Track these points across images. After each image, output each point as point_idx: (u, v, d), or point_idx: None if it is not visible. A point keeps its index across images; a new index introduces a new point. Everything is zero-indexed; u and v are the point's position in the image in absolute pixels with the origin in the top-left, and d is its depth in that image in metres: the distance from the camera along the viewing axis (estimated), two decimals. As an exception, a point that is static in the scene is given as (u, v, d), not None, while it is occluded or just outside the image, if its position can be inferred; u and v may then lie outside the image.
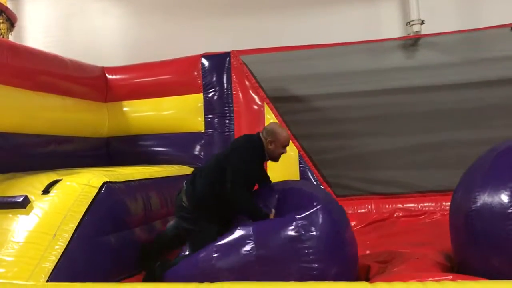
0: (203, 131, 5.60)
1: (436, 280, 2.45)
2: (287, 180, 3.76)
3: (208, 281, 2.47)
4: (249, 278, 2.73)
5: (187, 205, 3.44)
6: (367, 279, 3.05)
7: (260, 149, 3.51)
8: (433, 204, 4.91)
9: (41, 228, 3.03)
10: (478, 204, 2.75)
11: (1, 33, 5.69)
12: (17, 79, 4.22)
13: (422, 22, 5.71)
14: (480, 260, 2.75)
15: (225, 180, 3.34)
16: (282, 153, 3.62)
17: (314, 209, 2.98)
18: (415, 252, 3.40)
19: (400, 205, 4.96)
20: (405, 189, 5.08)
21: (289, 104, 5.38)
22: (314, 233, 2.89)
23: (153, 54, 5.94)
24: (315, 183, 5.14)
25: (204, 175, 3.49)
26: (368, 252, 3.73)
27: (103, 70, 5.78)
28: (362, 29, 5.92)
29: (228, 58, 5.59)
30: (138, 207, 3.72)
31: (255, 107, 5.47)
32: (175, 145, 5.66)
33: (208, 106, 5.58)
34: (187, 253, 3.72)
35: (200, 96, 5.59)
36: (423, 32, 5.63)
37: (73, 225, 3.08)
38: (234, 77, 5.54)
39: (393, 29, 5.95)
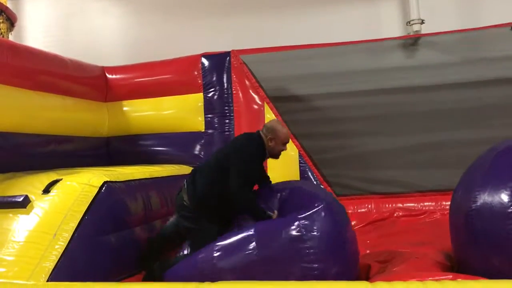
0: (203, 130, 5.60)
1: (436, 280, 2.45)
2: (288, 181, 3.76)
3: (208, 281, 2.48)
4: (250, 277, 2.73)
5: (188, 204, 3.44)
6: (367, 278, 3.06)
7: (261, 147, 3.52)
8: (433, 203, 4.91)
9: (42, 227, 3.03)
10: (478, 204, 2.75)
11: (1, 33, 5.69)
12: (17, 78, 4.22)
13: (422, 22, 5.71)
14: (480, 259, 2.76)
15: (225, 180, 3.34)
16: (282, 150, 3.62)
17: (315, 209, 2.98)
18: (415, 252, 3.40)
19: (400, 205, 4.96)
20: (405, 189, 5.08)
21: (289, 103, 5.38)
22: (316, 233, 2.89)
23: (153, 53, 5.94)
24: (315, 182, 5.14)
25: (205, 175, 3.49)
26: (368, 251, 3.73)
27: (103, 69, 5.78)
28: (362, 29, 5.91)
29: (228, 58, 5.58)
30: (138, 206, 3.72)
31: (255, 106, 5.47)
32: (175, 144, 5.65)
33: (208, 106, 5.58)
34: (185, 252, 3.72)
35: (200, 96, 5.59)
36: (423, 32, 5.63)
37: (73, 224, 3.08)
38: (234, 76, 5.54)
39: (393, 29, 5.95)
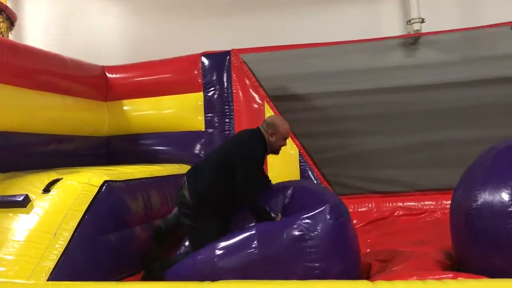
0: (203, 130, 5.59)
1: (437, 279, 2.45)
2: (292, 180, 3.77)
3: (209, 281, 2.48)
4: (252, 277, 2.73)
5: (189, 202, 3.43)
6: (368, 277, 3.06)
7: (263, 143, 3.52)
8: (434, 202, 4.91)
9: (42, 227, 3.03)
10: (479, 203, 2.75)
11: (1, 32, 5.68)
12: (17, 78, 4.21)
13: (423, 21, 5.71)
14: (480, 258, 2.76)
15: (227, 178, 3.35)
16: (283, 145, 3.63)
17: (320, 210, 2.97)
18: (415, 251, 3.40)
19: (400, 204, 4.96)
20: (405, 188, 5.08)
21: (289, 102, 5.38)
22: (318, 232, 2.88)
23: (153, 52, 5.93)
24: (315, 181, 5.14)
25: (206, 173, 3.47)
26: (368, 250, 3.73)
27: (103, 69, 5.77)
28: (362, 28, 5.91)
29: (228, 57, 5.58)
30: (139, 206, 3.72)
31: (255, 105, 5.46)
32: (175, 144, 5.65)
33: (208, 105, 5.57)
34: (183, 249, 3.73)
35: (200, 95, 5.58)
36: (423, 31, 5.62)
37: (73, 224, 3.08)
38: (234, 75, 5.54)
39: (393, 28, 5.95)
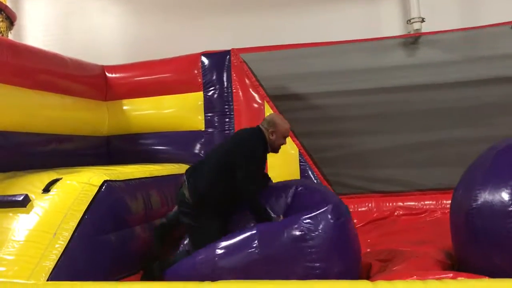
0: (203, 129, 5.59)
1: (437, 278, 2.45)
2: (291, 180, 3.76)
3: (209, 281, 2.47)
4: (252, 277, 2.72)
5: (189, 201, 3.42)
6: (368, 277, 3.06)
7: (263, 141, 3.52)
8: (434, 202, 4.91)
9: (42, 227, 3.03)
10: (479, 202, 2.75)
11: (1, 32, 5.68)
12: (16, 77, 4.21)
13: (423, 20, 5.70)
14: (481, 258, 2.76)
15: (227, 177, 3.34)
16: (282, 144, 3.62)
17: (320, 210, 2.97)
18: (415, 251, 3.40)
19: (400, 203, 4.96)
20: (405, 187, 5.07)
21: (289, 102, 5.37)
22: (318, 233, 2.88)
23: (153, 52, 5.93)
24: (315, 181, 5.14)
25: (206, 172, 3.46)
26: (368, 250, 3.73)
27: (103, 68, 5.77)
28: (362, 27, 5.90)
29: (228, 56, 5.57)
30: (139, 205, 3.72)
31: (255, 105, 5.46)
32: (175, 143, 5.65)
33: (208, 105, 5.57)
34: (181, 248, 3.73)
35: (200, 95, 5.58)
36: (423, 30, 5.62)
37: (73, 223, 3.08)
38: (234, 75, 5.54)
39: (393, 27, 5.95)
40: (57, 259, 2.88)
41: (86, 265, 3.04)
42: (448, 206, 3.33)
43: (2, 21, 5.72)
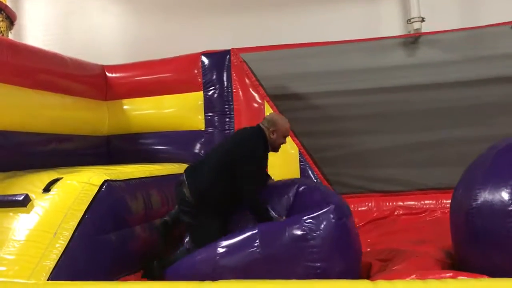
0: (203, 129, 5.59)
1: (437, 278, 2.45)
2: (293, 179, 3.75)
3: (210, 280, 2.47)
4: (253, 276, 2.72)
5: (190, 200, 3.41)
6: (368, 277, 3.06)
7: (263, 140, 3.51)
8: (434, 201, 4.91)
9: (42, 226, 3.03)
10: (479, 202, 2.75)
11: (1, 31, 5.68)
12: (17, 77, 4.21)
13: (423, 20, 5.70)
14: (480, 257, 2.76)
15: (227, 177, 3.34)
16: (282, 143, 3.62)
17: (322, 210, 2.97)
18: (416, 250, 3.40)
19: (400, 203, 4.96)
20: (405, 187, 5.08)
21: (289, 102, 5.37)
22: (320, 232, 2.88)
23: (153, 52, 5.92)
24: (315, 181, 5.14)
25: (206, 173, 3.46)
26: (369, 250, 3.73)
27: (103, 68, 5.77)
28: (362, 27, 5.90)
29: (228, 56, 5.58)
30: (139, 205, 3.72)
31: (255, 105, 5.46)
32: (175, 143, 5.65)
33: (208, 104, 5.57)
34: (182, 248, 3.73)
35: (200, 94, 5.58)
36: (423, 30, 5.62)
37: (73, 223, 3.08)
38: (234, 75, 5.54)
39: (393, 27, 5.94)
40: (58, 258, 2.88)
41: (86, 264, 3.05)
42: (448, 205, 3.33)
43: (2, 20, 5.71)
